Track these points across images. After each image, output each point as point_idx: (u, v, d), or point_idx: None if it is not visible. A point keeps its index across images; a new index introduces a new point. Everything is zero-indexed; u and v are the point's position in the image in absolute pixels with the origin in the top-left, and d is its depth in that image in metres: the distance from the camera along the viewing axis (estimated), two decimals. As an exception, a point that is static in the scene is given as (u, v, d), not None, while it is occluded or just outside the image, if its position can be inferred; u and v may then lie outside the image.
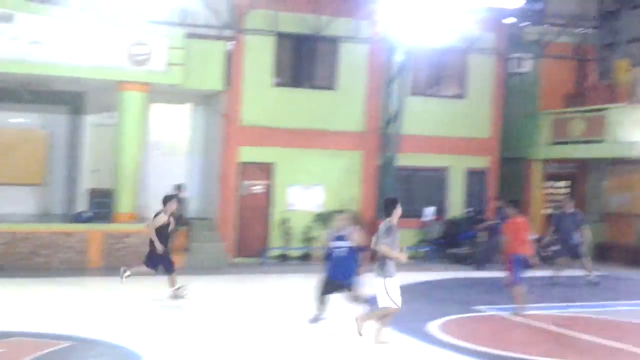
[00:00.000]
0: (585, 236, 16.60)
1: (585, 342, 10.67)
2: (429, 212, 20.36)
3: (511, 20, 22.06)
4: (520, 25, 22.34)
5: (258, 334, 10.48)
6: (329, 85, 19.90)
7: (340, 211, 11.05)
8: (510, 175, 22.27)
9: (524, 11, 22.77)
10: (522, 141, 22.16)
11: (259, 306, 12.73)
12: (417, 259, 19.75)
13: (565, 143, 21.04)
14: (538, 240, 19.63)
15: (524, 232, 12.54)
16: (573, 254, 16.37)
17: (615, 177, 21.64)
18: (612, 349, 10.31)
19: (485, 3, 21.85)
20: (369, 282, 10.41)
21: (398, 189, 20.24)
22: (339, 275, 10.94)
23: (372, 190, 20.10)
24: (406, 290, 14.74)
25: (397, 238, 9.98)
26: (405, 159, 20.19)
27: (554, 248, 19.75)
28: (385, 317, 10.06)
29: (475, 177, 21.44)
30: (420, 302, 13.61)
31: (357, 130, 20.06)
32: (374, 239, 10.22)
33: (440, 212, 20.78)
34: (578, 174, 22.69)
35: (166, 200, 13.21)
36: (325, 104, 19.73)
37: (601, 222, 21.70)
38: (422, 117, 20.55)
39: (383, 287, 9.93)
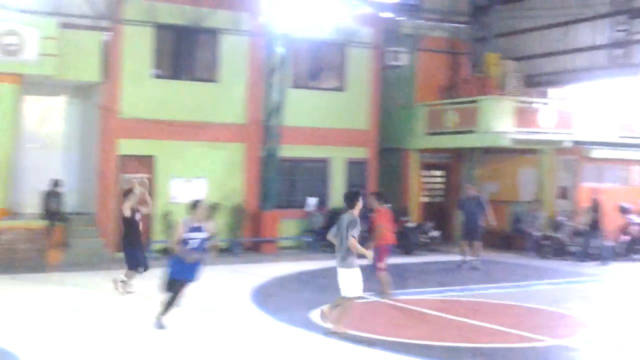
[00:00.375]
0: (490, 219, 17.22)
1: (460, 323, 11.14)
2: (312, 202, 20.67)
3: (388, 14, 22.67)
4: (397, 19, 22.99)
5: (131, 332, 10.33)
6: (210, 77, 19.81)
7: (198, 201, 10.22)
8: (389, 165, 22.94)
9: (400, 6, 23.47)
10: (400, 132, 22.85)
11: (136, 302, 12.50)
12: (301, 249, 20.05)
13: (440, 133, 21.84)
14: (416, 228, 20.45)
15: (387, 222, 13.02)
16: (474, 236, 17.01)
17: (487, 165, 22.65)
18: (485, 329, 10.81)
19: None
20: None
21: (281, 181, 20.48)
22: (186, 273, 10.02)
23: (255, 182, 20.19)
24: (289, 279, 15.08)
25: (359, 230, 10.07)
26: (288, 151, 20.38)
27: (432, 234, 20.61)
28: (347, 306, 10.21)
29: (355, 167, 21.91)
30: (303, 291, 13.85)
31: (239, 122, 20.08)
32: (332, 230, 10.40)
33: (322, 202, 21.12)
34: (453, 163, 23.61)
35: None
36: (207, 96, 19.63)
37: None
38: (303, 109, 20.80)
39: (347, 277, 10.13)
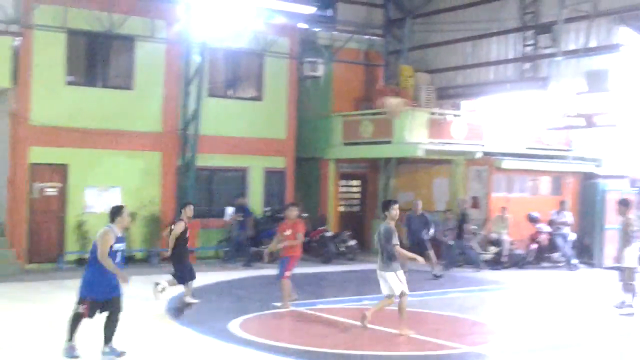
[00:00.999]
0: (436, 234, 17.79)
1: (377, 332, 11.31)
2: (230, 212, 20.59)
3: (304, 25, 22.89)
4: (313, 30, 23.25)
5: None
6: (125, 85, 19.51)
7: (121, 207, 9.23)
8: (307, 175, 23.12)
9: (316, 17, 23.73)
10: (317, 142, 23.07)
11: (47, 314, 12.18)
12: (220, 259, 19.94)
13: (357, 144, 22.16)
14: (334, 237, 20.64)
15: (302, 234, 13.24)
16: (421, 249, 16.52)
17: (403, 175, 23.11)
18: (402, 337, 10.99)
19: (280, 7, 22.52)
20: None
21: (198, 190, 20.34)
22: (112, 291, 9.01)
23: (172, 191, 19.98)
24: (208, 290, 14.98)
25: (397, 236, 11.10)
26: (205, 160, 20.27)
27: (349, 243, 20.84)
28: (401, 303, 11.10)
29: (273, 177, 21.99)
30: (222, 301, 13.82)
31: (156, 130, 19.85)
32: (375, 237, 11.42)
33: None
34: (369, 173, 23.98)
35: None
36: (122, 103, 19.33)
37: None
38: (221, 118, 20.77)
39: (390, 279, 11.06)
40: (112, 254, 8.87)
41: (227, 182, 21.31)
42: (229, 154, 21.05)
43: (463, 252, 19.23)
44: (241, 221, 19.61)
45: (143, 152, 19.59)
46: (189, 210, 13.60)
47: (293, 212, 13.32)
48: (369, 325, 11.17)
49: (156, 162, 19.86)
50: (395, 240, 11.07)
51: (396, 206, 11.34)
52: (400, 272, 11.26)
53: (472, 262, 19.00)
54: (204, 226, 19.98)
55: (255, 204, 21.44)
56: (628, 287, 12.84)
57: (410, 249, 15.86)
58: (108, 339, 9.04)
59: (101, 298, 8.93)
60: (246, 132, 21.28)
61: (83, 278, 9.00)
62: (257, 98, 21.92)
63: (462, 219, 19.00)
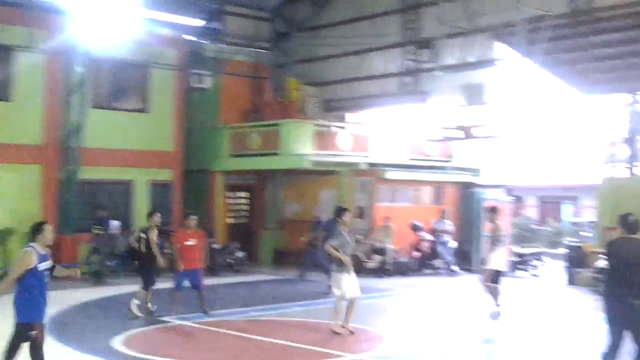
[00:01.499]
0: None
1: (262, 343, 11.38)
2: (114, 226, 20.14)
3: (191, 37, 22.79)
4: (200, 42, 23.17)
5: None
6: (3, 96, 18.82)
7: (43, 223, 8.17)
8: (194, 187, 22.92)
9: (203, 29, 23.71)
10: (205, 154, 22.94)
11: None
12: (105, 274, 19.45)
13: (244, 156, 22.18)
14: (222, 249, 20.56)
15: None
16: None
17: (291, 186, 23.33)
18: (288, 347, 11.12)
19: (167, 19, 22.39)
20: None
21: (81, 203, 19.82)
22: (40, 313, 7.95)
23: (53, 206, 19.39)
24: (91, 306, 14.61)
25: (338, 241, 11.70)
26: (89, 173, 19.83)
27: (237, 255, 20.82)
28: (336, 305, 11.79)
29: (160, 189, 21.71)
30: (106, 318, 13.49)
31: (35, 143, 19.24)
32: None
33: (126, 225, 20.68)
34: (257, 184, 24.02)
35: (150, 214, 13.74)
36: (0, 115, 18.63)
37: (279, 230, 23.28)
38: (105, 130, 20.37)
39: (333, 280, 11.79)
40: (40, 274, 7.87)
41: (112, 196, 20.88)
42: (113, 167, 20.64)
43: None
44: (100, 235, 19.17)
45: (21, 165, 18.95)
46: (157, 218, 13.66)
47: (193, 221, 13.46)
48: (254, 336, 11.19)
49: (36, 176, 19.24)
50: (332, 241, 11.75)
51: (348, 213, 12.28)
52: (349, 275, 11.81)
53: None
54: (86, 240, 19.47)
55: (142, 217, 21.05)
56: (491, 289, 13.33)
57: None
58: None
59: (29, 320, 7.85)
60: (132, 144, 20.94)
61: (14, 302, 7.85)
62: (143, 110, 21.63)
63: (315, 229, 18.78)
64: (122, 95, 21.73)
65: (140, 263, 13.84)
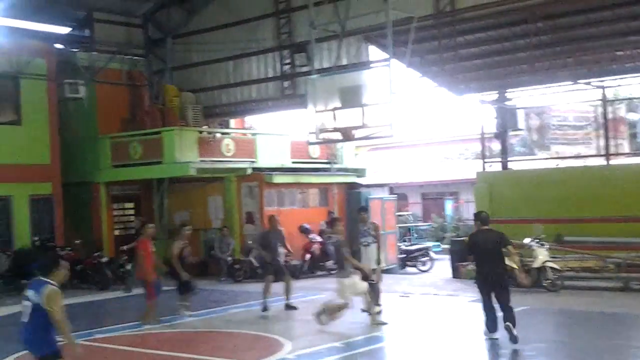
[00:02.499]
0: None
1: (157, 357, 11.35)
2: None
3: (60, 46, 22.21)
4: (71, 50, 22.61)
5: None
6: None
7: (57, 258, 8.45)
8: (77, 200, 22.42)
9: (72, 37, 23.14)
10: (86, 165, 22.49)
11: None
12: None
13: (126, 165, 21.86)
14: (110, 262, 20.15)
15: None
16: (280, 273, 15.29)
17: (177, 195, 23.12)
18: (183, 358, 11.10)
19: (32, 27, 21.73)
20: None
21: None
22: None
23: None
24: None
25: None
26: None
27: (127, 267, 20.44)
28: None
29: (40, 204, 21.13)
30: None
31: None
32: None
33: (6, 243, 19.99)
34: (143, 194, 23.69)
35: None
36: None
37: (169, 239, 23.00)
38: (-24, 145, 19.65)
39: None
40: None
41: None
42: (-11, 182, 19.90)
43: None
44: None
45: None
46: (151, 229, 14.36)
47: (153, 230, 14.24)
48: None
49: None
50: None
51: (340, 222, 13.73)
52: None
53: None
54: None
55: (23, 234, 20.43)
56: (373, 287, 13.74)
57: (266, 271, 15.24)
58: None
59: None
60: (6, 158, 20.33)
61: (39, 337, 7.66)
62: (16, 122, 21.02)
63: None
64: (-7, 108, 20.99)
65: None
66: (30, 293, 7.58)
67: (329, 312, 12.86)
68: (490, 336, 11.38)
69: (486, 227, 11.41)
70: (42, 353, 7.69)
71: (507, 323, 10.97)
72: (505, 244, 11.24)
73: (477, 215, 11.68)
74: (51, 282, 7.58)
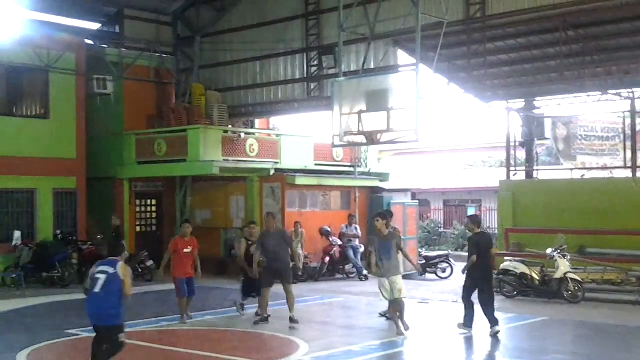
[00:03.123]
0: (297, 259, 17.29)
1: (176, 354, 11.40)
2: (17, 236, 19.62)
3: (90, 41, 22.40)
4: (101, 46, 22.79)
5: None
6: None
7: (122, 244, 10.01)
8: (101, 195, 22.58)
9: (103, 33, 23.35)
10: (110, 161, 22.63)
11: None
12: (7, 286, 18.91)
13: (151, 162, 21.97)
14: (131, 258, 20.22)
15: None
16: (286, 278, 13.92)
17: (200, 193, 23.23)
18: (201, 357, 11.11)
19: (63, 22, 21.96)
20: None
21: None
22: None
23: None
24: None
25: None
26: (-11, 182, 19.29)
27: (147, 264, 20.58)
28: None
29: (64, 198, 21.32)
30: (9, 332, 13.14)
31: None
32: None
33: (29, 235, 20.17)
34: (165, 191, 23.80)
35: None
36: None
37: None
38: (4, 137, 19.93)
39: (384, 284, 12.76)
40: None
41: (14, 205, 20.37)
42: (14, 175, 20.11)
43: None
44: None
45: None
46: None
47: (189, 229, 13.95)
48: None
49: None
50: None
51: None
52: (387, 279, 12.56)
53: None
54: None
55: (46, 227, 20.62)
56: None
57: (268, 282, 13.77)
58: None
59: None
60: (33, 151, 20.51)
61: (113, 306, 9.04)
62: (44, 116, 21.20)
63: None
64: (21, 101, 21.22)
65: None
66: (104, 267, 9.08)
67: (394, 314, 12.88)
68: (466, 331, 12.49)
69: (480, 230, 12.99)
70: (113, 323, 9.13)
71: (496, 328, 12.28)
72: (492, 246, 13.08)
73: (473, 219, 13.28)
74: (119, 260, 9.18)
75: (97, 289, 8.96)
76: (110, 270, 8.99)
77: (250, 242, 14.32)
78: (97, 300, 8.95)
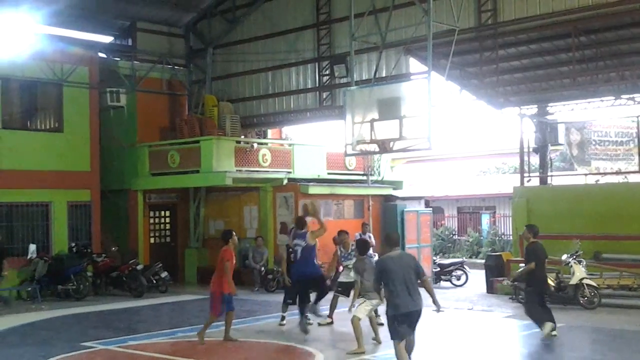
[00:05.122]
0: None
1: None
2: (32, 249, 19.70)
3: (103, 54, 22.53)
4: (113, 59, 22.93)
5: None
6: None
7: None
8: (115, 207, 22.67)
9: (115, 46, 23.49)
10: (124, 173, 22.72)
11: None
12: (22, 299, 18.98)
13: (164, 174, 22.03)
14: (145, 269, 20.30)
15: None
16: (322, 290, 14.17)
17: (213, 204, 23.27)
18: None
19: (76, 36, 22.10)
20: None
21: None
22: None
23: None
24: (7, 334, 14.25)
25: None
26: (3, 195, 19.42)
27: (162, 275, 20.53)
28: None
29: (79, 210, 21.37)
30: (25, 345, 13.15)
31: None
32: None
33: (44, 248, 20.27)
34: (179, 202, 23.83)
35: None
36: None
37: (203, 248, 23.20)
38: (18, 151, 20.05)
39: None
40: None
41: (28, 218, 20.41)
42: (28, 189, 20.20)
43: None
44: None
45: None
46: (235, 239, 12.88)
47: (236, 239, 12.92)
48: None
49: (-52, 201, 18.65)
50: None
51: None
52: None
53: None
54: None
55: (60, 240, 20.71)
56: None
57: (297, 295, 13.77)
58: None
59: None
60: (47, 165, 20.60)
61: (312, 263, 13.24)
62: (57, 129, 21.30)
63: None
64: (35, 115, 21.38)
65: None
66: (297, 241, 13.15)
67: None
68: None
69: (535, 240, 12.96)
70: (319, 273, 13.45)
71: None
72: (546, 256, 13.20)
73: (531, 228, 13.16)
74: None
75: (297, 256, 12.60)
76: (303, 242, 11.99)
77: (290, 250, 14.15)
78: (302, 264, 12.73)
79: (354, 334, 11.63)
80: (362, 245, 12.71)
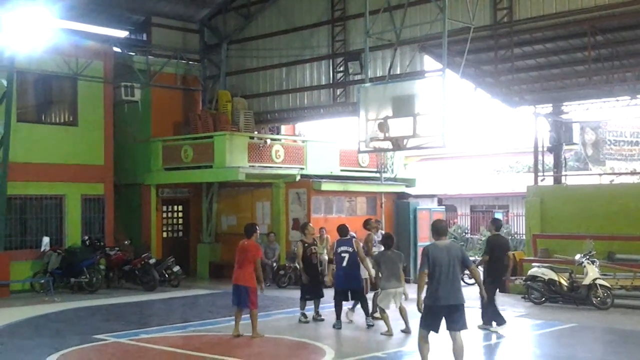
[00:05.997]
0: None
1: (200, 358, 11.43)
2: (45, 242, 19.82)
3: (118, 49, 22.61)
4: (128, 54, 23.00)
5: None
6: None
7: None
8: (128, 201, 22.76)
9: (130, 41, 23.57)
10: (137, 168, 22.79)
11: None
12: (36, 291, 19.09)
13: (177, 169, 22.09)
14: (158, 264, 20.37)
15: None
16: (359, 291, 14.32)
17: (226, 199, 23.32)
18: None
19: (91, 30, 22.19)
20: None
21: (10, 220, 19.47)
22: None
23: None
24: (22, 325, 14.36)
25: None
26: (17, 188, 19.48)
27: (174, 269, 20.60)
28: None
29: (92, 204, 21.47)
30: (38, 337, 13.24)
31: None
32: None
33: (58, 241, 20.38)
34: (192, 197, 23.90)
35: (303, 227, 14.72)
36: None
37: (215, 243, 23.24)
38: (33, 144, 20.13)
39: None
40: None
41: (42, 211, 20.53)
42: (43, 182, 20.32)
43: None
44: None
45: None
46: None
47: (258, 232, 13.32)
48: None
49: (-38, 193, 18.75)
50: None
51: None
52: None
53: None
54: (16, 258, 19.11)
55: (74, 233, 20.82)
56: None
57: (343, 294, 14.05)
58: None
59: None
60: (61, 158, 20.69)
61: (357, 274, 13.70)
62: (72, 123, 21.39)
63: None
64: (50, 109, 21.48)
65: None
66: (344, 247, 13.64)
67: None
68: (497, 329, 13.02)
69: (498, 232, 14.05)
70: (361, 286, 13.75)
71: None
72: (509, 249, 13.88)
73: (495, 222, 14.49)
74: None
75: (343, 263, 13.37)
76: (350, 249, 13.15)
77: (306, 245, 14.29)
78: (347, 272, 13.48)
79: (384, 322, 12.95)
80: (388, 239, 13.35)
